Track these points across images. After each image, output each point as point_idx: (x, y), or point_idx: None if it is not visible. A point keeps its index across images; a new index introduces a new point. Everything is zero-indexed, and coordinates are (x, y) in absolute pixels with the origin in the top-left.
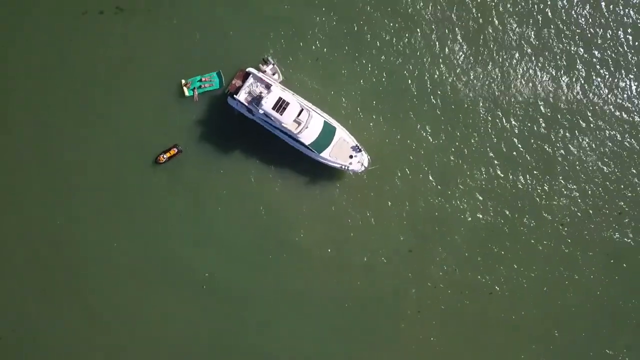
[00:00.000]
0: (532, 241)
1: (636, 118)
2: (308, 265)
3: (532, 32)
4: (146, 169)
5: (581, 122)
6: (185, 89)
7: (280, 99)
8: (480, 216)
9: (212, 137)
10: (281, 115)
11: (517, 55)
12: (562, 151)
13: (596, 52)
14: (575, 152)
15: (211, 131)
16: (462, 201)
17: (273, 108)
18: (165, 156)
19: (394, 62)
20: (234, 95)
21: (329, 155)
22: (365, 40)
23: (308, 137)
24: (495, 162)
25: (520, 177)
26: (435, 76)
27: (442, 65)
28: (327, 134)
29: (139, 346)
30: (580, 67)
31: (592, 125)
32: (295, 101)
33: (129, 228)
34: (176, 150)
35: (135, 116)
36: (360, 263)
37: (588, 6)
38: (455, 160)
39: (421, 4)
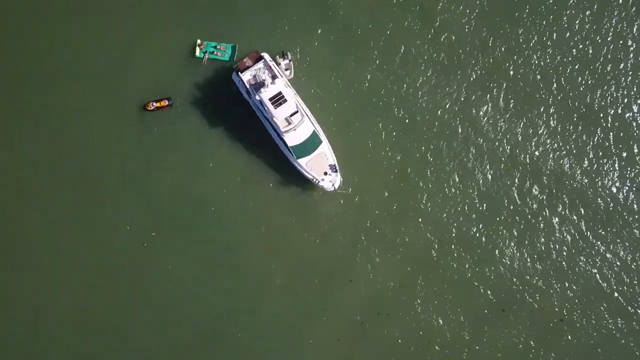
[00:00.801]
0: (455, 276)
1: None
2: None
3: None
4: (132, 112)
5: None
6: (198, 49)
7: (280, 93)
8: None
9: (205, 103)
10: (275, 109)
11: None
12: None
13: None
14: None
15: (206, 97)
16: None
17: (270, 99)
18: (154, 104)
19: (407, 102)
20: (240, 73)
21: (305, 164)
22: (388, 73)
23: (293, 139)
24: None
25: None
26: (450, 121)
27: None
28: (311, 143)
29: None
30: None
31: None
32: (293, 101)
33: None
34: (167, 103)
35: (138, 59)
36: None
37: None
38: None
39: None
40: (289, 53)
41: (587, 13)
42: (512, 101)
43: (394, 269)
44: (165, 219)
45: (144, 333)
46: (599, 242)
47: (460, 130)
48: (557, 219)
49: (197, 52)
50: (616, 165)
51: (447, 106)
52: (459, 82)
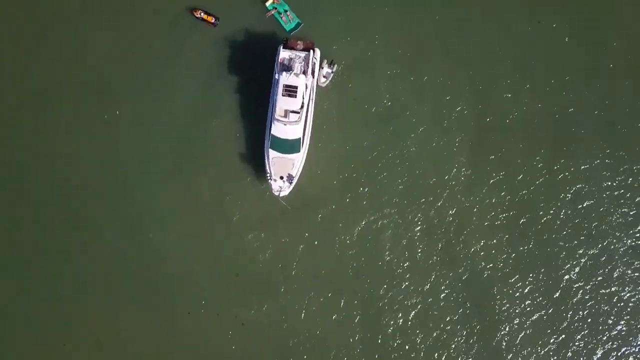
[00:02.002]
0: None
1: None
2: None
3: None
4: (180, 9)
5: None
6: (269, 1)
7: (295, 87)
8: None
9: (241, 50)
10: (282, 96)
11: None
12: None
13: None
14: None
15: (248, 44)
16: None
17: (284, 86)
18: (202, 14)
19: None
20: (283, 48)
21: (272, 158)
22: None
23: (278, 130)
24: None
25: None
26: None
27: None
28: (290, 146)
29: None
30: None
31: None
32: (302, 102)
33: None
34: (213, 20)
35: None
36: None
37: None
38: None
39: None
40: (336, 65)
41: None
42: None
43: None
44: None
45: None
46: None
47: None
48: None
49: (269, 3)
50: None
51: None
52: None
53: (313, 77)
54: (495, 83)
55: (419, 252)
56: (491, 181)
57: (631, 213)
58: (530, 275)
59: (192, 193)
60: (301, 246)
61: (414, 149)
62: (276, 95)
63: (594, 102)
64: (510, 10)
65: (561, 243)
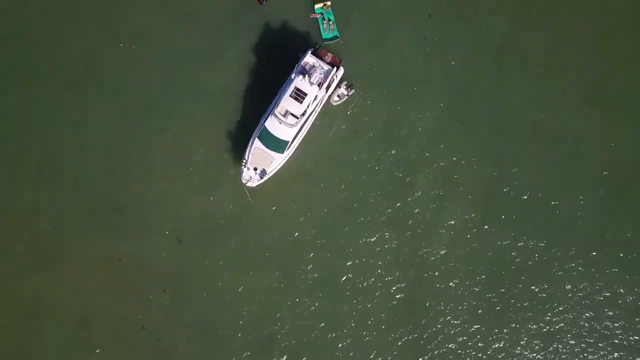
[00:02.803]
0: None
1: None
2: None
3: None
4: None
5: None
6: (322, 4)
7: (306, 94)
8: None
9: (274, 35)
10: (289, 96)
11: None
12: None
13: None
14: None
15: (281, 33)
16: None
17: (295, 88)
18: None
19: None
20: (311, 54)
21: (254, 147)
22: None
23: (271, 125)
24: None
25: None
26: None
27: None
28: (276, 144)
29: None
30: None
31: None
32: (305, 110)
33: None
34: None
35: None
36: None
37: None
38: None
39: None
40: (354, 91)
41: None
42: None
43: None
44: None
45: None
46: None
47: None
48: None
49: (317, 6)
50: None
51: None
52: None
53: (326, 92)
54: (513, 155)
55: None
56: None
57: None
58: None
59: (176, 146)
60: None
61: (389, 211)
62: (284, 92)
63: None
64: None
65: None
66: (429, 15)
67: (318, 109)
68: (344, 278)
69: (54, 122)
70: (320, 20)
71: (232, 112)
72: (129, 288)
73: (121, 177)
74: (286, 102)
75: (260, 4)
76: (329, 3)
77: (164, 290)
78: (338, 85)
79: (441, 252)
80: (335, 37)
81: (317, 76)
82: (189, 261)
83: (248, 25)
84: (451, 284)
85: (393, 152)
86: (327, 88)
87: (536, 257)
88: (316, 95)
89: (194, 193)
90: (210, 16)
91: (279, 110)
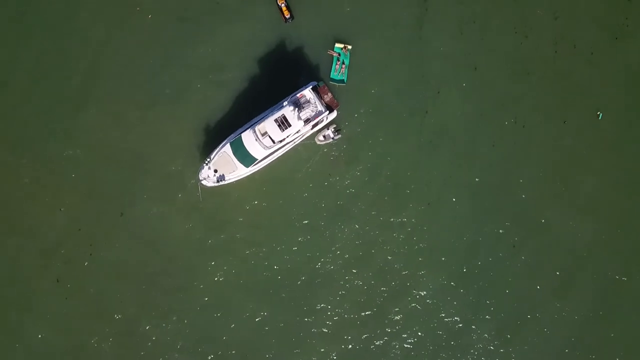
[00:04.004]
0: None
1: None
2: None
3: None
4: None
5: None
6: (343, 45)
7: (289, 125)
8: None
9: (287, 55)
10: (271, 119)
11: None
12: None
13: None
14: None
15: (294, 57)
16: None
17: (282, 115)
18: (283, 5)
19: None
20: (313, 90)
21: (222, 151)
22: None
23: (246, 138)
24: None
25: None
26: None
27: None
28: (244, 157)
29: None
30: None
31: None
32: (283, 139)
33: None
34: (288, 16)
35: None
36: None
37: None
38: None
39: None
40: (340, 136)
41: None
42: None
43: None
44: None
45: None
46: None
47: None
48: None
49: (338, 46)
50: None
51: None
52: None
53: (311, 129)
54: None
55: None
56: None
57: None
58: None
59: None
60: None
61: (329, 266)
62: (271, 114)
63: None
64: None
65: None
66: (426, 112)
67: (297, 141)
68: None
69: None
70: (335, 59)
71: (216, 112)
72: None
73: None
74: (269, 124)
75: (286, 22)
76: (349, 47)
77: None
78: (327, 126)
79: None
80: (341, 81)
81: (307, 112)
82: None
83: (264, 38)
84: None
85: (356, 210)
86: (314, 126)
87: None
88: (299, 130)
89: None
90: (230, 22)
91: (259, 128)
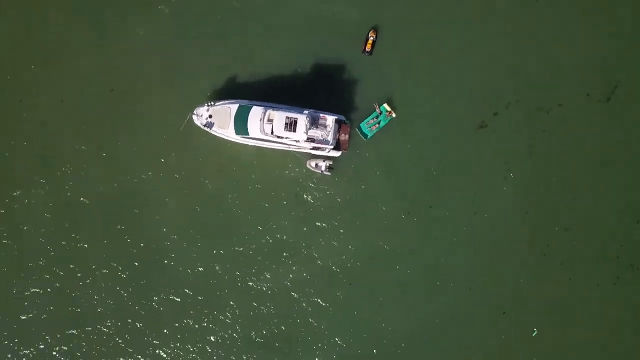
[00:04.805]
0: None
1: None
2: None
3: None
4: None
5: None
6: (387, 107)
7: (294, 131)
8: None
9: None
10: (284, 114)
11: None
12: None
13: None
14: None
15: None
16: None
17: (295, 118)
18: (372, 38)
19: None
20: (335, 121)
21: (226, 106)
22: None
23: (254, 112)
24: None
25: None
26: None
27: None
28: (240, 126)
29: None
30: None
31: None
32: (280, 135)
33: None
34: (370, 49)
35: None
36: None
37: None
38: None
39: None
40: (329, 174)
41: None
42: None
43: None
44: None
45: None
46: None
47: None
48: None
49: (385, 106)
50: None
51: None
52: None
53: (309, 149)
54: None
55: None
56: None
57: None
58: None
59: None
60: None
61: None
62: (287, 110)
63: None
64: None
65: None
66: (430, 206)
67: (291, 148)
68: None
69: None
70: (374, 114)
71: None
72: None
73: None
74: (278, 117)
75: (362, 53)
76: (393, 115)
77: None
78: (324, 159)
79: None
80: (365, 135)
81: (315, 133)
82: None
83: (337, 51)
84: None
85: (318, 247)
86: (313, 148)
87: None
88: (299, 141)
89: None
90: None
91: (270, 113)
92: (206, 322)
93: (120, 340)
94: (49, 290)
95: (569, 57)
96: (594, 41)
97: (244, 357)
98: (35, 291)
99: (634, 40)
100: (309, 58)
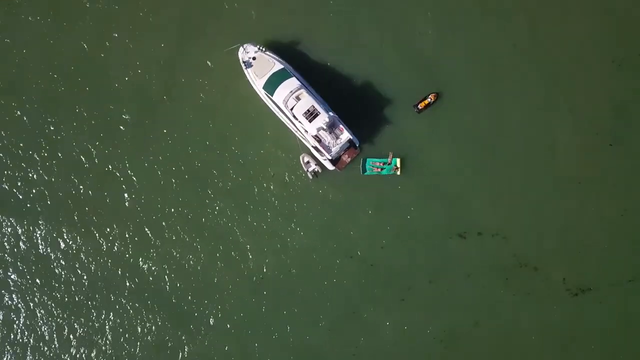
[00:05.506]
0: None
1: None
2: None
3: None
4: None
5: None
6: (399, 164)
7: (311, 120)
8: None
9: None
10: (310, 100)
11: None
12: None
13: None
14: None
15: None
16: None
17: (317, 111)
18: (429, 101)
19: None
20: (351, 137)
21: (272, 61)
22: None
23: (289, 82)
24: None
25: None
26: None
27: None
28: (271, 84)
29: None
30: None
31: None
32: (294, 115)
33: None
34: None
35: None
36: None
37: None
38: None
39: None
40: (312, 179)
41: None
42: None
43: None
44: None
45: None
46: None
47: None
48: None
49: (397, 160)
50: None
51: None
52: None
53: (310, 144)
54: None
55: None
56: None
57: None
58: None
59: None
60: None
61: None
62: (319, 102)
63: None
64: None
65: None
66: (375, 266)
67: (298, 134)
68: None
69: None
70: (385, 160)
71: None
72: None
73: None
74: (305, 100)
75: (413, 107)
76: (398, 173)
77: None
78: (317, 163)
79: None
80: (364, 170)
81: (324, 136)
82: None
83: (390, 86)
84: None
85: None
86: (314, 147)
87: None
88: (307, 131)
89: None
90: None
91: (301, 92)
92: None
93: None
94: None
95: None
96: None
97: None
98: None
99: None
100: (372, 74)
